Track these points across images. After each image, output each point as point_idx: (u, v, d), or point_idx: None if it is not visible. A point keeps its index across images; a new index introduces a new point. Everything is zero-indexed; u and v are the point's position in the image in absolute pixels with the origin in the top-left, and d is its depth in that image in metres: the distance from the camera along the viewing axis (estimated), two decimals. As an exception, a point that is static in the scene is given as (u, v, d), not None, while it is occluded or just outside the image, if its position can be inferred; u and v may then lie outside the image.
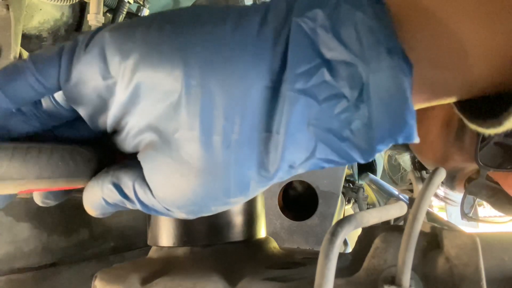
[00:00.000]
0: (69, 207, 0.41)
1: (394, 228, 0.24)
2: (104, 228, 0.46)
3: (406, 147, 0.60)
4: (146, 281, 0.27)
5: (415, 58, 0.18)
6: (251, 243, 0.32)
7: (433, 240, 0.22)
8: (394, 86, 0.18)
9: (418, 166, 0.61)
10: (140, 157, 0.22)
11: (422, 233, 0.22)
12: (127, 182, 0.22)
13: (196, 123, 0.19)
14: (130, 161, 0.23)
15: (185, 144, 0.20)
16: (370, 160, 0.20)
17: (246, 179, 0.20)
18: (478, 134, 0.42)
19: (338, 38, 0.18)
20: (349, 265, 0.25)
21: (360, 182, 1.27)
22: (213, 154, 0.20)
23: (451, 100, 0.22)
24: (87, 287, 0.29)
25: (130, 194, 0.22)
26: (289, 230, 0.53)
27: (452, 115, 0.47)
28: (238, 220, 0.31)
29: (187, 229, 0.31)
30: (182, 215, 0.23)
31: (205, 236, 0.31)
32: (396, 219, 0.30)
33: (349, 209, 1.21)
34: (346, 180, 1.23)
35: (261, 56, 0.19)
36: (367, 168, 1.34)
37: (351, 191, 1.16)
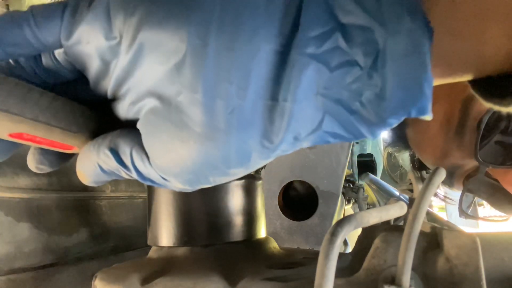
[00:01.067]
0: (69, 207, 0.41)
1: (394, 228, 0.24)
2: (104, 228, 0.46)
3: (405, 144, 0.60)
4: (146, 281, 0.27)
5: (433, 25, 0.18)
6: (251, 243, 0.32)
7: (433, 240, 0.22)
8: (412, 50, 0.17)
9: (417, 165, 0.61)
10: (139, 124, 0.21)
11: (422, 233, 0.22)
12: (125, 148, 0.21)
13: (199, 85, 0.18)
14: (129, 129, 0.22)
15: (187, 107, 0.19)
16: (379, 136, 0.20)
17: (247, 149, 0.20)
18: (477, 130, 0.42)
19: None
20: (349, 265, 0.25)
21: (360, 182, 1.27)
22: (214, 119, 0.19)
23: (466, 77, 0.22)
24: (87, 287, 0.29)
25: (127, 161, 0.21)
26: (289, 230, 0.53)
27: (452, 112, 0.47)
28: (238, 220, 0.31)
29: (187, 229, 0.31)
30: (179, 185, 0.22)
31: (205, 236, 0.31)
32: (396, 219, 0.30)
33: (349, 209, 1.21)
34: (346, 180, 1.23)
35: (272, 17, 0.18)
36: (367, 168, 1.34)
37: (351, 191, 1.16)
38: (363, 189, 1.20)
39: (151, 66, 0.19)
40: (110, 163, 0.22)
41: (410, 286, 0.19)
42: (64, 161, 0.25)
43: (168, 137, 0.20)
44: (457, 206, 0.53)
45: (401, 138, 0.60)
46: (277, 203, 0.54)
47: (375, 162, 1.35)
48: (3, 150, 0.23)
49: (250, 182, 0.33)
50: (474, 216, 0.54)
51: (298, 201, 0.57)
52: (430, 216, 0.30)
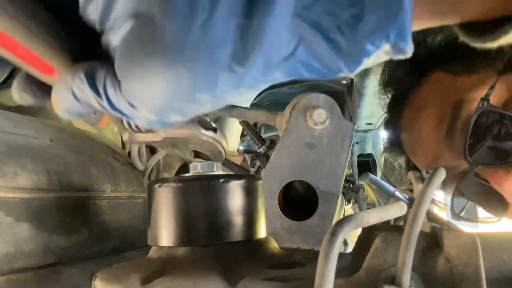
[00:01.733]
0: (69, 207, 0.41)
1: (394, 228, 0.24)
2: (104, 228, 0.46)
3: (400, 149, 0.60)
4: (146, 281, 0.27)
5: None
6: (251, 243, 0.32)
7: (433, 240, 0.22)
8: None
9: (413, 169, 0.61)
10: (117, 49, 0.20)
11: (422, 233, 0.22)
12: (100, 74, 0.21)
13: None
14: (109, 59, 0.21)
15: (158, 19, 0.17)
16: (356, 70, 0.19)
17: (215, 70, 0.18)
18: (467, 130, 0.43)
19: None
20: (349, 265, 0.25)
21: (360, 182, 1.27)
22: (183, 32, 0.17)
23: (454, 19, 0.22)
24: (87, 287, 0.29)
25: (100, 87, 0.21)
26: (289, 230, 0.53)
27: (443, 115, 0.47)
28: (238, 220, 0.31)
29: (187, 229, 0.31)
30: (146, 114, 0.21)
31: (205, 236, 0.31)
32: (396, 219, 0.30)
33: (349, 209, 1.21)
34: (346, 180, 1.23)
35: None
36: (367, 168, 1.34)
37: (351, 191, 1.16)
38: (363, 189, 1.20)
39: None
40: (83, 88, 0.21)
41: (410, 286, 0.19)
42: (47, 95, 0.24)
43: (137, 54, 0.19)
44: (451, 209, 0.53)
45: (395, 143, 0.60)
46: (277, 203, 0.53)
47: (375, 162, 1.35)
48: None
49: (250, 182, 0.33)
50: (467, 219, 0.55)
51: (298, 201, 0.57)
52: (430, 216, 0.30)
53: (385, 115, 0.63)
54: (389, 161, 0.71)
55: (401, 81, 0.57)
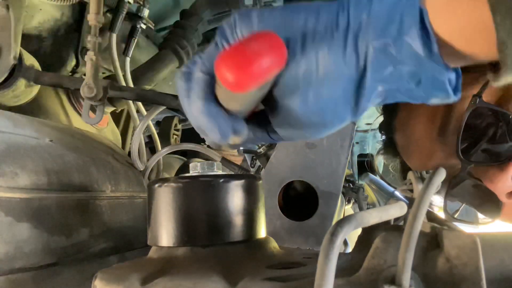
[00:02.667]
0: (69, 207, 0.41)
1: (394, 228, 0.24)
2: (104, 228, 0.46)
3: (395, 151, 0.60)
4: (146, 281, 0.27)
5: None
6: (251, 243, 0.32)
7: (433, 240, 0.22)
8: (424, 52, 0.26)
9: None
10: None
11: (422, 233, 0.22)
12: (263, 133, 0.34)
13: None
14: (263, 116, 0.33)
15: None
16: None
17: (343, 120, 0.32)
18: (460, 128, 0.43)
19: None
20: (349, 265, 0.25)
21: (360, 182, 1.27)
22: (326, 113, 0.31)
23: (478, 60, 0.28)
24: (87, 287, 0.29)
25: (264, 137, 0.34)
26: (289, 230, 0.53)
27: (436, 113, 0.48)
28: (238, 220, 0.31)
29: (187, 229, 0.31)
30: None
31: (205, 236, 0.31)
32: (396, 219, 0.30)
33: (349, 209, 1.21)
34: (346, 180, 1.23)
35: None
36: (367, 168, 1.34)
37: (351, 191, 1.16)
38: (363, 189, 1.20)
39: None
40: (263, 141, 0.35)
41: (410, 286, 0.19)
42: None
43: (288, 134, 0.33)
44: (455, 214, 0.53)
45: (390, 145, 0.60)
46: (277, 203, 0.54)
47: (376, 163, 1.35)
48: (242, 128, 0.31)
49: (250, 182, 0.33)
50: (461, 220, 0.54)
51: (298, 201, 0.57)
52: (430, 216, 0.30)
53: (380, 117, 0.63)
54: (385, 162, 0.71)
55: None
